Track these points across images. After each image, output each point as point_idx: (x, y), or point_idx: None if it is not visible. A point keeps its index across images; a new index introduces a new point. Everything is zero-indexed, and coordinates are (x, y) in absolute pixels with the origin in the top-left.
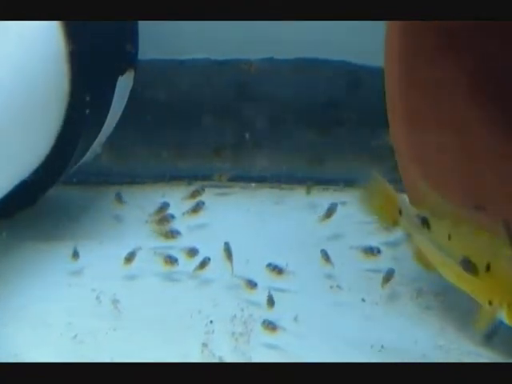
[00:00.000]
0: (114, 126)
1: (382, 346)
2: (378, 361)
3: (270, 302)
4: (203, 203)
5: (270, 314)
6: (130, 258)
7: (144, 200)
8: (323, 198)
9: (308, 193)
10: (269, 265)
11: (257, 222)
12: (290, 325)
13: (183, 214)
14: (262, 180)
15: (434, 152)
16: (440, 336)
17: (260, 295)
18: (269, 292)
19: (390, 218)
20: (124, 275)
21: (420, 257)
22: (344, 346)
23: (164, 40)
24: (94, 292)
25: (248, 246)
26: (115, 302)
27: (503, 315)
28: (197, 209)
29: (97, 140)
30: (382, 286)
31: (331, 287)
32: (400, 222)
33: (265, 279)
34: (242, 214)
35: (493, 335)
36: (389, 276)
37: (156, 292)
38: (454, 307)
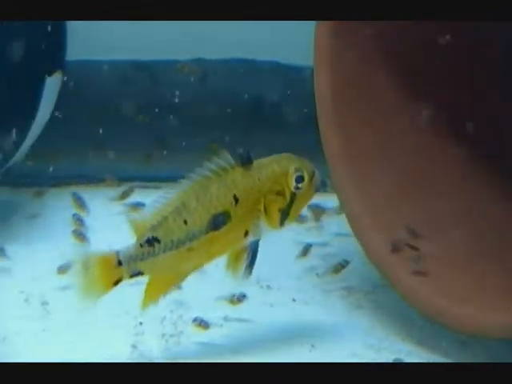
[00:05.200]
0: (43, 127)
1: (313, 346)
2: (307, 360)
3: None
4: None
5: (200, 315)
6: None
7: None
8: None
9: None
10: None
11: None
12: (220, 325)
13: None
14: None
15: (363, 153)
16: (370, 335)
17: (188, 296)
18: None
19: (108, 280)
20: (52, 277)
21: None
22: (275, 345)
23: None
24: (23, 294)
25: None
26: (44, 303)
27: (263, 223)
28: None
29: (25, 141)
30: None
31: (261, 287)
32: (124, 273)
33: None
34: None
35: (252, 265)
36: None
37: None
38: (384, 306)
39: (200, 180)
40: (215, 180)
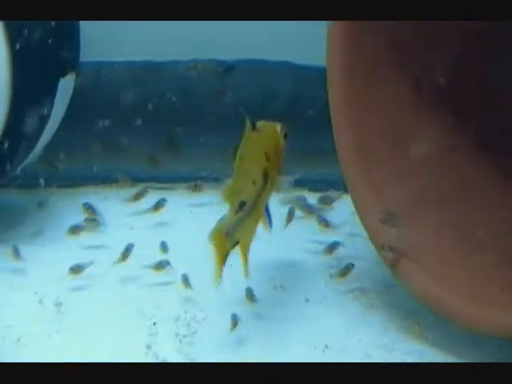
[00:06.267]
0: (56, 128)
1: (326, 346)
2: (321, 360)
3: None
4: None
5: (214, 316)
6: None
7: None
8: None
9: None
10: None
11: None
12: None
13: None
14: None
15: (376, 156)
16: (383, 335)
17: (202, 296)
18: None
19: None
20: (66, 278)
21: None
22: (288, 345)
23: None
24: (37, 295)
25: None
26: (58, 304)
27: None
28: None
29: (38, 143)
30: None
31: (275, 287)
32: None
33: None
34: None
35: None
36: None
37: (99, 294)
38: (397, 306)
39: (242, 146)
40: (250, 143)
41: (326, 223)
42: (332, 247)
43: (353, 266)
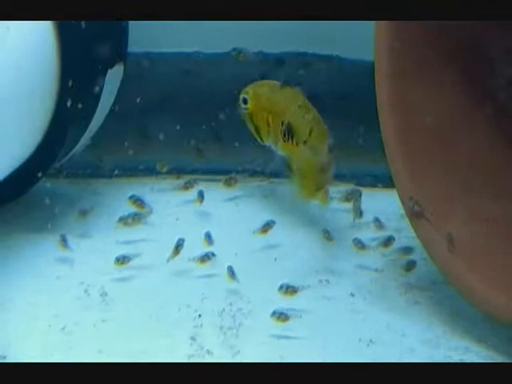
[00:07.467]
0: (104, 118)
1: (371, 341)
2: (366, 355)
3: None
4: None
5: (260, 309)
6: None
7: (132, 193)
8: None
9: None
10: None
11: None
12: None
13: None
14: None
15: (421, 151)
16: (427, 330)
17: (247, 289)
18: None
19: None
20: (112, 269)
21: None
22: (332, 339)
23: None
24: (83, 285)
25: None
26: (103, 294)
27: None
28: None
29: (86, 132)
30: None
31: (320, 281)
32: None
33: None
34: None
35: None
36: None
37: (144, 285)
38: (442, 302)
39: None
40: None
41: (362, 245)
42: (388, 241)
43: (415, 263)
